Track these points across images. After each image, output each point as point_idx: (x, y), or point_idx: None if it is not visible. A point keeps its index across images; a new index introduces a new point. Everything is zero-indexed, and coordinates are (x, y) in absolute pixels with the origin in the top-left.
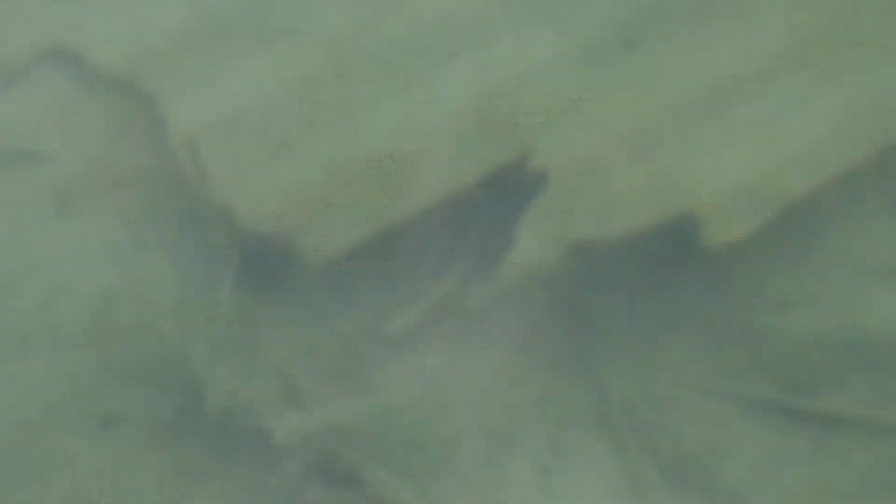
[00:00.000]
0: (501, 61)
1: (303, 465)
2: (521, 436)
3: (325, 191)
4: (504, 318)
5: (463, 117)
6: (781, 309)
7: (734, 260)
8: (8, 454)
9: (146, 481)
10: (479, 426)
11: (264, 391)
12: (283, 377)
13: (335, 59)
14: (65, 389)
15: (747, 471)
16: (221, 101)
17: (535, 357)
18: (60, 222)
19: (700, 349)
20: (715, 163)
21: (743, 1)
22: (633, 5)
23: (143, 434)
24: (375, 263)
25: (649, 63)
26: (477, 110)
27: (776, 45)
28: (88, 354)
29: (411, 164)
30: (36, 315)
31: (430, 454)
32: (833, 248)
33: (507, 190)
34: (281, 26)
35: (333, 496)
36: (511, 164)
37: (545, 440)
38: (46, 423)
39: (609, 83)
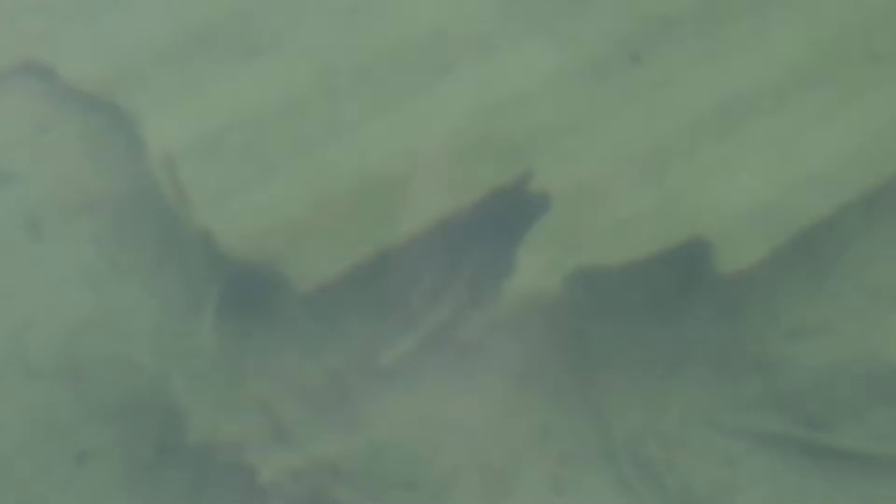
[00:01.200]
0: (499, 77)
1: None
2: (520, 473)
3: (313, 214)
4: (502, 349)
5: (459, 136)
6: (796, 338)
7: (747, 287)
8: None
9: None
10: (476, 463)
11: (248, 426)
12: (267, 411)
13: (322, 74)
14: (37, 424)
15: None
16: (202, 118)
17: (536, 390)
18: (31, 246)
19: (710, 381)
20: (726, 184)
21: (756, 13)
22: (640, 17)
23: (120, 471)
24: (366, 290)
25: (657, 78)
26: (474, 129)
27: (791, 59)
28: (62, 387)
29: (404, 186)
30: (5, 345)
31: (425, 492)
32: (851, 275)
33: (506, 213)
34: (265, 40)
35: None
36: (510, 186)
37: (546, 478)
38: (17, 460)
39: (614, 100)
